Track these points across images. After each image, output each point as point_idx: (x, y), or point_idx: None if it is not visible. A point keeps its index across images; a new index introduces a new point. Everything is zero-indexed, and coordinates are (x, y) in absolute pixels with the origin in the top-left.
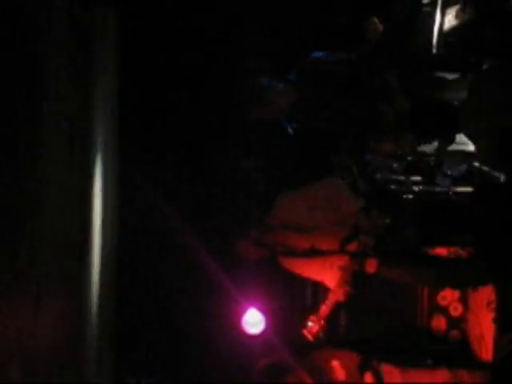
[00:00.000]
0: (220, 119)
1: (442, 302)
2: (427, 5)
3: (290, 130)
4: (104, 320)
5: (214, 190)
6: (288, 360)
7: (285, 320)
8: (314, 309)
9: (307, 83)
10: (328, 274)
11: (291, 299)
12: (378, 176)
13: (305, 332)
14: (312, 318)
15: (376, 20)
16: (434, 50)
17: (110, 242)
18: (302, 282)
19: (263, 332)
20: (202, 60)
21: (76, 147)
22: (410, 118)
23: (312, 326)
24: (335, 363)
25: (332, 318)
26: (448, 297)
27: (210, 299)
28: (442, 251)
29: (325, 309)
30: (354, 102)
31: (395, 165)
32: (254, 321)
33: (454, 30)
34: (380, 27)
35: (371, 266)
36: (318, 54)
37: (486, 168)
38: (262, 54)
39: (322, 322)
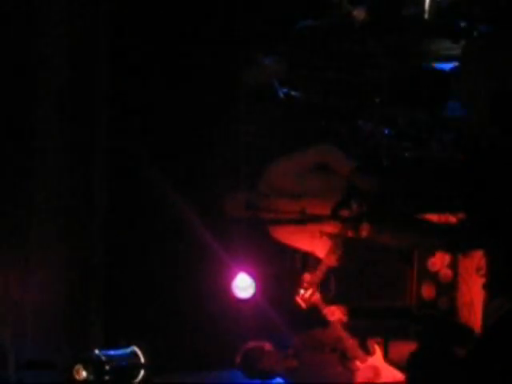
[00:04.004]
0: (214, 85)
1: (432, 268)
2: None
3: (281, 95)
4: (93, 283)
5: (206, 152)
6: (269, 343)
7: (275, 284)
8: (304, 273)
9: (296, 52)
10: (318, 244)
11: (281, 263)
12: (370, 141)
13: (297, 299)
14: (304, 284)
15: None
16: (426, 16)
17: (100, 206)
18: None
19: (253, 296)
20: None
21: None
22: (401, 85)
23: (304, 292)
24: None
25: (323, 284)
26: (438, 263)
27: (199, 263)
28: (433, 217)
29: (316, 275)
30: (343, 71)
31: (386, 130)
32: (244, 285)
33: None
34: None
35: (364, 231)
36: (306, 22)
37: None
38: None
39: (315, 288)
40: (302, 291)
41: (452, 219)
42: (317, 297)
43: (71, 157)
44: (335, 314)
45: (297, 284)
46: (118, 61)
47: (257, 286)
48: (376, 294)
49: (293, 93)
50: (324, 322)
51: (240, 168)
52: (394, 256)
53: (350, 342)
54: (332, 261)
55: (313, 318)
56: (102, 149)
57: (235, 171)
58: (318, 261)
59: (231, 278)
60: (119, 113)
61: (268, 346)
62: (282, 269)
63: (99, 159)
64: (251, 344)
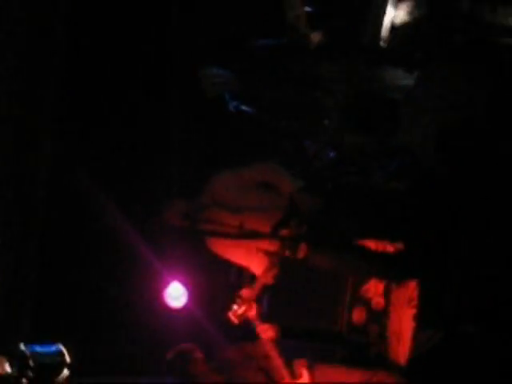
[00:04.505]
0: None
1: (365, 295)
2: None
3: (232, 108)
4: (26, 285)
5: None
6: (198, 348)
7: (208, 295)
8: (239, 288)
9: (246, 70)
10: (254, 261)
11: (216, 273)
12: (315, 163)
13: (230, 314)
14: (238, 300)
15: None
16: (382, 44)
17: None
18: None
19: (186, 306)
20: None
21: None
22: (351, 111)
23: (237, 308)
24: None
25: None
26: (371, 290)
27: (132, 271)
28: (370, 243)
29: (251, 292)
30: (291, 90)
31: (332, 153)
32: (176, 294)
33: (404, 25)
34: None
35: (301, 252)
36: (261, 41)
37: (421, 164)
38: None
39: (249, 304)
40: (235, 307)
41: (389, 247)
42: (251, 313)
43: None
44: (267, 331)
45: (230, 297)
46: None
47: (189, 296)
48: (309, 315)
49: (243, 107)
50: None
51: (173, 176)
52: (330, 279)
53: (278, 363)
54: (268, 278)
55: (245, 331)
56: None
57: (170, 179)
58: (253, 276)
59: (164, 286)
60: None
61: (199, 354)
62: (216, 279)
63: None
64: (184, 346)
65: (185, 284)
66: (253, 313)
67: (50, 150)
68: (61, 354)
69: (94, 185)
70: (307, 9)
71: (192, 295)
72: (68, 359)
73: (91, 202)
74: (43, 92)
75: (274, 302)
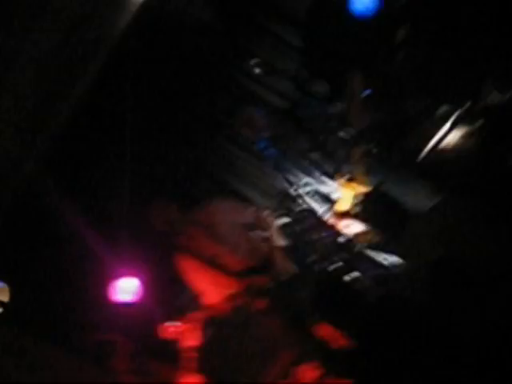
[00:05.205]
0: None
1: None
2: None
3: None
4: None
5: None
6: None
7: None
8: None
9: None
10: (213, 292)
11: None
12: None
13: (162, 327)
14: (178, 322)
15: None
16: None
17: None
18: None
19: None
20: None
21: None
22: None
23: (171, 327)
24: None
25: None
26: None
27: (83, 265)
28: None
29: (192, 320)
30: None
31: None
32: (127, 289)
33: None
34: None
35: (258, 305)
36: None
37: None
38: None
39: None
40: (170, 324)
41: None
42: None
43: None
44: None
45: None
46: None
47: (142, 291)
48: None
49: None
50: None
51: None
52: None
53: None
54: (218, 311)
55: None
56: None
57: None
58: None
59: (114, 280)
60: None
61: (126, 342)
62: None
63: None
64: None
65: (137, 279)
66: (189, 342)
67: None
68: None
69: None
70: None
71: (144, 290)
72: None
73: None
74: None
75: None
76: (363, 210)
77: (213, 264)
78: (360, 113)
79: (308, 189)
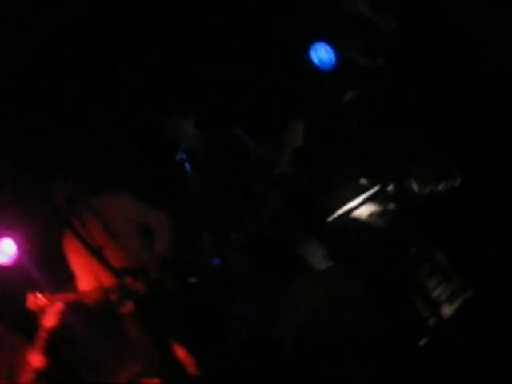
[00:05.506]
0: None
1: None
2: None
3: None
4: None
5: None
6: None
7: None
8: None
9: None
10: (87, 277)
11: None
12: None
13: (30, 296)
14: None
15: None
16: None
17: None
18: None
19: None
20: None
21: None
22: None
23: (34, 297)
24: None
25: None
26: None
27: None
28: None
29: (58, 299)
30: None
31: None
32: (5, 250)
33: None
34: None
35: (125, 307)
36: None
37: None
38: None
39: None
40: (37, 294)
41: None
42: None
43: None
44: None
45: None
46: None
47: (20, 253)
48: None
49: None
50: None
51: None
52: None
53: None
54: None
55: None
56: None
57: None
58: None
59: None
60: None
61: None
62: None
63: None
64: None
65: (15, 242)
66: (48, 322)
67: None
68: None
69: None
70: None
71: (23, 252)
72: None
73: None
74: None
75: None
76: None
77: (96, 254)
78: (288, 159)
79: None
